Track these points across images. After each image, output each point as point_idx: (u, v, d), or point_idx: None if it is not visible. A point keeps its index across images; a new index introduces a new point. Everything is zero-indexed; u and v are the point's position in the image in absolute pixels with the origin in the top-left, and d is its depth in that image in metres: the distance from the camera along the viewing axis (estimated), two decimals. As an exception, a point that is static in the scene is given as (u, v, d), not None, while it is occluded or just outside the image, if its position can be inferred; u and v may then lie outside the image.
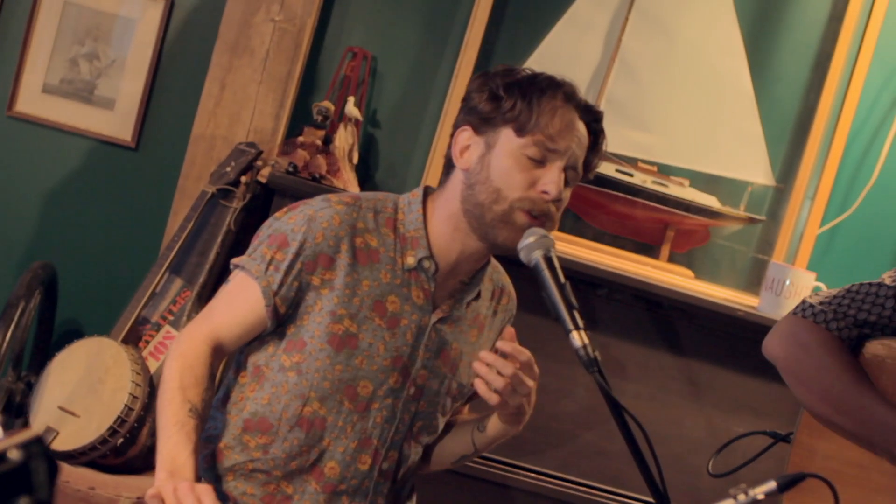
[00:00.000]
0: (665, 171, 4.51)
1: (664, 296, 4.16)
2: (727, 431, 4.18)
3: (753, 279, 4.60)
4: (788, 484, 2.17)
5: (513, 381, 2.53)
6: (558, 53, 4.46)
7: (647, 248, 4.56)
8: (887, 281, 2.89)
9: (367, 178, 4.50)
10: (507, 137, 2.59)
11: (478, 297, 2.76)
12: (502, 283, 2.88)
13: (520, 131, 2.56)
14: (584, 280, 4.12)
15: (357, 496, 2.68)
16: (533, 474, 4.09)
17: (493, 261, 2.82)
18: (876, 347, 2.89)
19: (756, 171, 4.54)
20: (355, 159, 4.37)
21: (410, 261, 2.64)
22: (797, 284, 4.20)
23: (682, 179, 4.48)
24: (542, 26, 4.49)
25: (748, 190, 4.55)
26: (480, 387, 2.54)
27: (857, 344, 2.89)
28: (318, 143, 4.30)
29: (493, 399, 2.55)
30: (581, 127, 2.63)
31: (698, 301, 4.17)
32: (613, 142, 4.39)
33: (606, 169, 4.41)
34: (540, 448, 4.12)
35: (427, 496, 3.83)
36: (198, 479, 2.48)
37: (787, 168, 4.62)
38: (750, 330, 4.09)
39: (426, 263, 2.64)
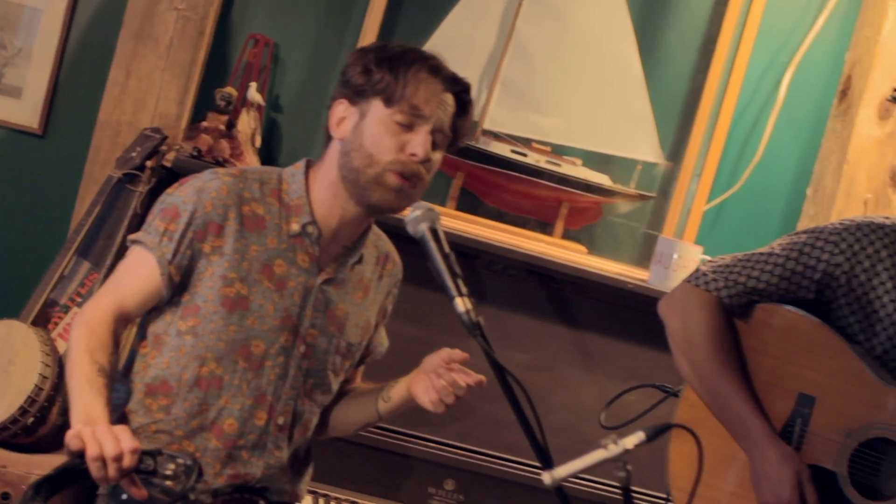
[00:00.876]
0: (559, 151, 4.66)
1: (557, 270, 4.31)
2: (620, 400, 4.30)
3: (645, 254, 4.77)
4: (655, 434, 2.32)
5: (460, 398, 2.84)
6: (455, 38, 4.59)
7: (545, 226, 4.71)
8: (777, 250, 3.06)
9: (270, 161, 4.59)
10: (377, 107, 2.78)
11: (360, 260, 2.92)
12: (387, 250, 3.05)
13: (388, 101, 2.75)
14: (480, 256, 4.27)
15: (256, 451, 2.84)
16: (433, 444, 4.23)
17: (376, 228, 2.99)
18: (761, 313, 3.06)
19: (646, 149, 4.71)
20: (258, 143, 4.47)
21: (295, 227, 2.81)
22: (685, 258, 4.35)
23: (574, 159, 4.63)
24: (440, 12, 4.62)
25: (638, 168, 4.72)
26: (428, 397, 2.83)
27: (746, 309, 3.07)
28: (222, 127, 4.39)
29: (437, 409, 2.83)
30: (447, 96, 2.81)
31: (590, 275, 4.32)
32: (508, 123, 4.56)
33: (502, 149, 4.55)
34: (440, 419, 4.21)
35: (327, 466, 3.97)
36: None
37: (675, 146, 4.80)
38: (640, 302, 4.25)
39: (310, 229, 2.81)
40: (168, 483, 2.53)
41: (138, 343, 2.86)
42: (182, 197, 2.77)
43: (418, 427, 4.21)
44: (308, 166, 2.90)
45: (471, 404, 4.24)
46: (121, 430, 2.49)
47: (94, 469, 2.43)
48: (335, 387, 2.99)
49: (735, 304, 3.05)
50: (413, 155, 2.77)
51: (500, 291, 4.33)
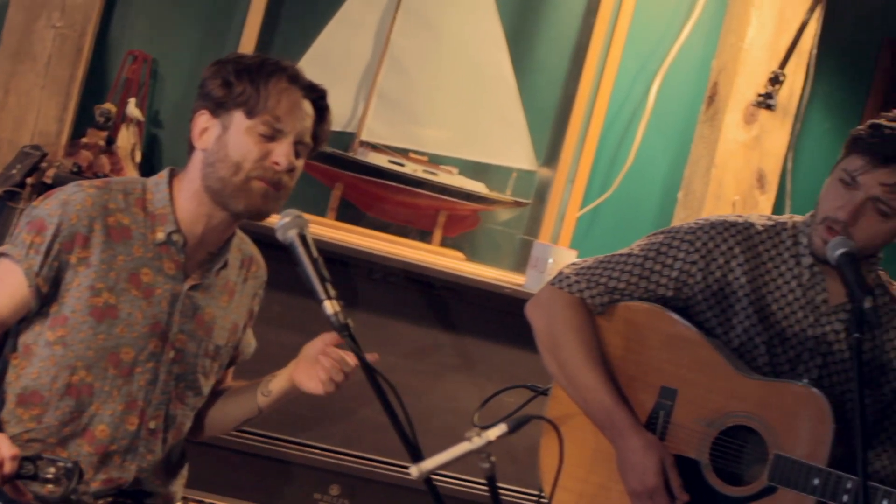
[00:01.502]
0: (436, 160, 4.76)
1: (436, 277, 4.41)
2: (500, 402, 4.37)
3: (522, 260, 4.87)
4: (517, 426, 2.40)
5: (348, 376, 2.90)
6: (331, 51, 4.66)
7: (425, 235, 4.80)
8: (635, 251, 3.20)
9: (149, 175, 4.59)
10: (239, 119, 2.84)
11: (225, 265, 2.98)
12: (251, 253, 3.11)
13: (249, 113, 2.81)
14: (361, 265, 4.35)
15: (128, 455, 2.89)
16: (317, 450, 4.29)
17: (240, 233, 3.05)
18: (622, 311, 3.18)
19: (520, 157, 4.82)
20: (138, 158, 4.51)
21: (160, 235, 2.87)
22: (559, 262, 4.45)
23: (451, 168, 4.73)
24: (316, 26, 4.69)
25: (514, 175, 4.82)
26: (315, 381, 2.91)
27: (608, 308, 3.19)
28: (102, 143, 4.42)
29: (320, 391, 2.93)
30: (306, 105, 2.89)
31: (468, 281, 4.43)
32: (386, 134, 4.63)
33: (379, 160, 4.64)
34: (322, 425, 4.31)
35: (210, 474, 4.02)
36: None
37: (549, 154, 4.91)
38: (517, 306, 4.19)
39: (175, 237, 2.87)
40: (49, 487, 2.57)
41: (9, 354, 2.90)
42: (47, 210, 2.81)
43: (301, 433, 4.26)
44: (172, 175, 2.95)
45: (353, 409, 4.31)
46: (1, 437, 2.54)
47: None
48: (206, 389, 3.05)
49: (597, 303, 3.17)
50: (277, 164, 2.84)
51: (381, 299, 4.40)
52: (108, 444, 2.87)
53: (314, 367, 2.96)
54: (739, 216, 3.17)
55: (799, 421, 2.93)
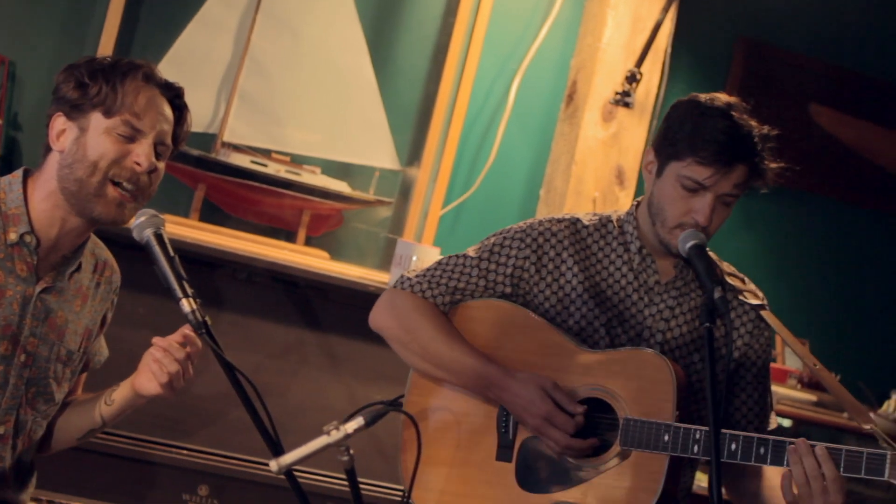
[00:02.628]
0: (298, 161, 4.79)
1: (300, 276, 4.43)
2: (368, 399, 4.42)
3: (387, 258, 4.93)
4: (373, 418, 2.46)
5: (182, 365, 2.83)
6: (191, 53, 4.67)
7: (287, 235, 4.83)
8: (471, 253, 3.32)
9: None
10: (97, 120, 2.82)
11: (79, 268, 2.96)
12: (105, 258, 3.08)
13: (107, 113, 2.80)
14: (225, 265, 4.35)
15: None
16: (184, 451, 4.28)
17: (94, 237, 3.03)
18: (463, 309, 3.28)
19: (383, 157, 4.87)
20: (-4, 162, 4.47)
21: (12, 236, 2.84)
22: (423, 260, 4.52)
23: (314, 168, 4.76)
24: (176, 27, 4.69)
25: (376, 175, 4.88)
26: (149, 384, 2.86)
27: (451, 307, 3.29)
28: (-41, 146, 4.38)
29: (159, 390, 2.84)
30: (163, 104, 2.89)
31: (333, 279, 4.46)
32: (248, 135, 4.65)
33: (242, 161, 4.66)
34: (190, 427, 4.30)
35: (71, 476, 3.99)
36: None
37: (412, 153, 4.97)
38: None
39: (27, 238, 2.84)
40: None
41: None
42: None
43: (167, 434, 4.25)
44: (26, 175, 2.93)
45: (221, 410, 4.32)
46: None
47: None
48: (59, 396, 3.00)
49: (439, 303, 3.28)
50: (137, 164, 2.82)
51: (246, 299, 4.41)
52: None
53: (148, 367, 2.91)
54: (566, 214, 3.34)
55: (642, 383, 3.04)
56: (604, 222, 3.30)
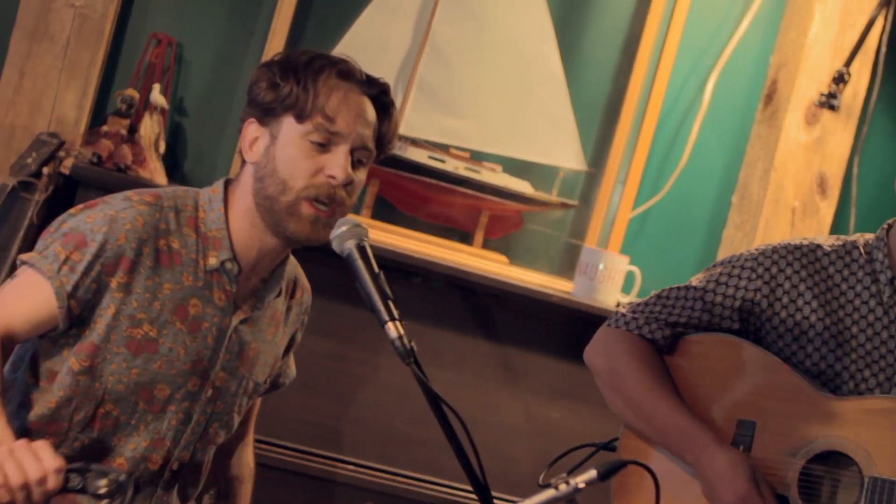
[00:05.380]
0: (477, 157, 4.52)
1: (478, 282, 4.20)
2: (545, 418, 4.23)
3: (567, 264, 4.64)
4: (609, 472, 2.18)
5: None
6: (368, 39, 4.43)
7: (462, 236, 4.57)
8: (694, 283, 3.00)
9: (174, 167, 4.42)
10: (288, 125, 2.58)
11: (279, 294, 2.72)
12: (295, 276, 2.85)
13: (299, 117, 2.55)
14: (398, 268, 4.11)
15: (145, 492, 2.63)
16: (352, 466, 4.10)
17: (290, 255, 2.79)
18: (687, 345, 2.98)
19: (567, 155, 4.59)
20: (162, 148, 4.29)
21: (213, 262, 2.60)
22: (611, 268, 4.28)
23: (494, 165, 4.51)
24: (352, 11, 4.46)
25: (560, 175, 4.59)
26: None
27: (672, 342, 2.99)
28: (123, 132, 4.22)
29: None
30: (364, 103, 2.61)
31: (513, 287, 4.22)
32: (425, 128, 4.43)
33: (418, 156, 4.41)
34: (358, 440, 4.12)
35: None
36: None
37: (598, 152, 4.67)
38: (565, 315, 4.18)
39: (229, 265, 2.59)
40: (104, 503, 2.31)
41: (24, 371, 2.61)
42: (91, 224, 2.52)
43: (338, 449, 4.09)
44: (226, 189, 2.67)
45: (388, 424, 4.13)
46: (40, 446, 2.27)
47: (18, 498, 2.22)
48: (236, 426, 2.81)
49: (658, 338, 2.98)
50: (331, 178, 2.55)
51: (420, 304, 4.19)
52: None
53: None
54: (804, 238, 2.99)
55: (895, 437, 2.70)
56: (848, 248, 2.94)
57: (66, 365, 2.54)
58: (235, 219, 2.61)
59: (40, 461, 2.24)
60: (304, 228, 2.55)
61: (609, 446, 3.11)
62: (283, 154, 2.55)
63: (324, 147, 2.55)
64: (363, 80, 2.64)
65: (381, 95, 2.66)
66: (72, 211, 2.58)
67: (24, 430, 2.56)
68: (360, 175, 2.62)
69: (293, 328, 2.85)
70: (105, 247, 2.49)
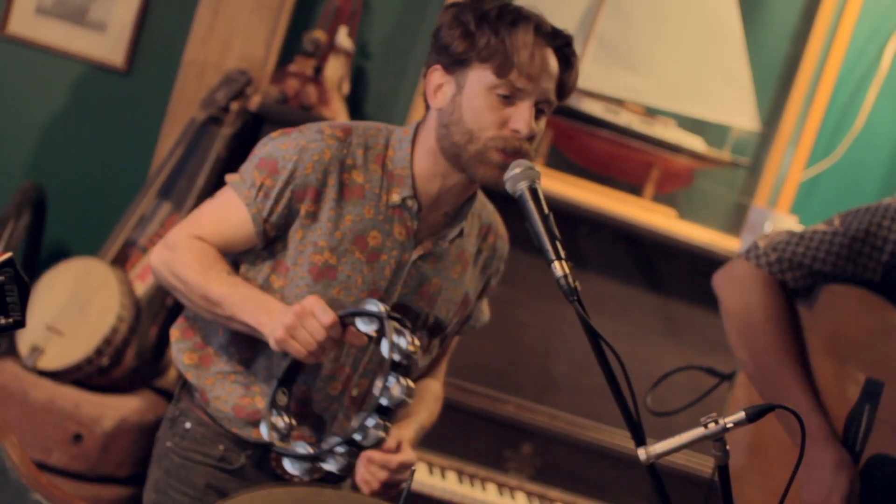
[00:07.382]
0: (652, 112, 4.55)
1: (646, 235, 4.22)
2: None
3: (734, 222, 4.66)
4: (758, 414, 2.20)
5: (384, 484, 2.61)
6: (550, -9, 4.47)
7: (633, 189, 4.61)
8: (840, 228, 2.82)
9: (356, 109, 4.52)
10: (476, 76, 2.58)
11: (461, 234, 2.77)
12: (490, 221, 2.87)
13: (496, 72, 2.57)
14: (566, 217, 4.14)
15: (325, 417, 2.73)
16: (513, 407, 4.16)
17: (482, 197, 2.83)
18: (827, 295, 2.87)
19: (742, 115, 4.58)
20: (346, 90, 4.39)
21: (395, 198, 2.66)
22: (778, 228, 4.21)
23: (667, 120, 4.52)
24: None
25: (732, 133, 4.60)
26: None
27: (809, 291, 2.88)
28: (309, 72, 4.31)
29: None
30: (550, 57, 2.62)
31: (680, 241, 4.23)
32: (602, 82, 4.44)
33: (594, 108, 4.44)
34: (519, 381, 4.18)
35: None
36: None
37: (772, 113, 4.67)
38: None
39: (409, 202, 2.66)
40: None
41: None
42: (283, 152, 2.62)
43: (500, 388, 4.14)
44: (416, 132, 2.76)
45: (550, 368, 4.17)
46: (314, 304, 2.52)
47: (310, 359, 2.53)
48: (423, 363, 2.83)
49: (800, 286, 2.85)
50: (516, 132, 2.61)
51: (586, 253, 4.23)
52: (306, 405, 2.72)
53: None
54: None
55: None
56: None
57: (267, 281, 2.67)
58: (419, 158, 2.67)
59: (319, 320, 2.49)
60: (493, 174, 2.56)
61: (727, 376, 3.07)
62: (470, 104, 2.58)
63: (509, 100, 2.59)
64: (550, 32, 2.67)
65: (564, 47, 2.68)
66: (273, 135, 2.68)
67: (213, 334, 2.73)
68: (541, 125, 2.65)
69: (486, 273, 2.90)
70: (294, 174, 2.60)
